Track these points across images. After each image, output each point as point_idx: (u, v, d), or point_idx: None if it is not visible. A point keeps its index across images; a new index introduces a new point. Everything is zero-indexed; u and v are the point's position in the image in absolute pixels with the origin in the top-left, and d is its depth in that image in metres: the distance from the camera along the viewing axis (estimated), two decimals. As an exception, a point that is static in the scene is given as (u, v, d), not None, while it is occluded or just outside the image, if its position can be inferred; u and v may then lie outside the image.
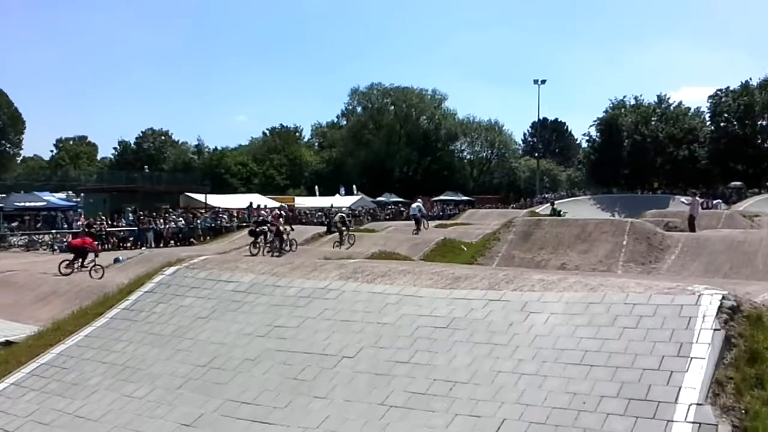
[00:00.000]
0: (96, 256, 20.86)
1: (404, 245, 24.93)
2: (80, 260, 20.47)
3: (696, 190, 42.88)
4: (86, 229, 29.25)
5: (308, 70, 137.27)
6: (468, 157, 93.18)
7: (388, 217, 52.83)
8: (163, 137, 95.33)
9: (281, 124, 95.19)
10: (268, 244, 23.70)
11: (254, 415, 6.11)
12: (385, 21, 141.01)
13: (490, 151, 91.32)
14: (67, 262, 20.41)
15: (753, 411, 4.78)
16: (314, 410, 5.97)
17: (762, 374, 5.13)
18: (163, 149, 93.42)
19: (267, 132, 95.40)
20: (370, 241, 27.14)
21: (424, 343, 6.49)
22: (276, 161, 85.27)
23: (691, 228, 24.60)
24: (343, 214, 26.90)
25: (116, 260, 24.08)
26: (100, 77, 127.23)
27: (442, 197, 68.28)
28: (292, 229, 26.00)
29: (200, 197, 48.16)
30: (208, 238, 37.74)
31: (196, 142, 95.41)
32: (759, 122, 67.97)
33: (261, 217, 27.73)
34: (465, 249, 24.11)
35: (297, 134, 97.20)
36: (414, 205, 34.73)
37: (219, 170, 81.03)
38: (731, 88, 69.26)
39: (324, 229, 32.57)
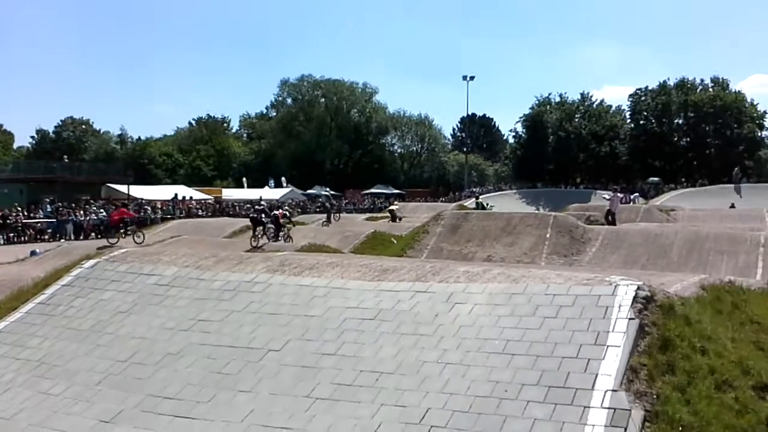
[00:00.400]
0: (134, 224, 25.09)
1: (334, 238, 24.87)
2: (122, 230, 23.76)
3: (617, 186, 44.57)
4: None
5: (236, 59, 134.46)
6: (398, 150, 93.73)
7: (318, 209, 52.54)
8: (83, 126, 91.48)
9: (208, 114, 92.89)
10: (266, 233, 23.15)
11: (176, 410, 5.99)
12: (316, 12, 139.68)
13: (420, 145, 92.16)
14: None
15: (664, 396, 5.03)
16: (239, 404, 5.90)
17: (673, 361, 5.40)
18: (83, 139, 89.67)
19: (193, 122, 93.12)
20: (300, 233, 26.89)
21: (352, 335, 6.51)
22: (203, 152, 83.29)
23: (608, 222, 25.54)
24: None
25: (33, 253, 23.01)
26: (15, 63, 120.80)
27: (372, 190, 68.51)
28: (293, 225, 26.14)
29: (123, 188, 46.62)
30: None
31: (119, 132, 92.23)
32: (675, 121, 71.10)
33: (262, 206, 28.15)
34: (395, 242, 24.25)
35: (225, 125, 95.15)
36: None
37: (143, 161, 78.56)
38: (650, 88, 72.22)
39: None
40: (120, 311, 7.99)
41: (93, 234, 35.06)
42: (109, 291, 8.54)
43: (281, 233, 23.44)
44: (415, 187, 76.83)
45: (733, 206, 40.89)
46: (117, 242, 21.61)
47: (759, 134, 68.34)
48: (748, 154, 65.99)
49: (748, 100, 68.67)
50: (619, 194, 29.82)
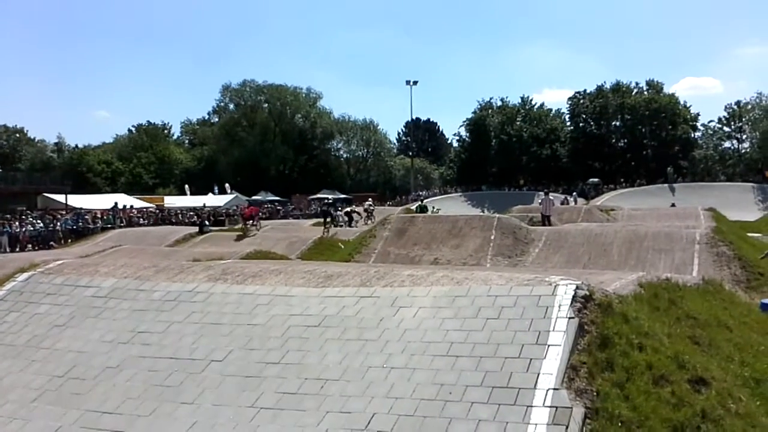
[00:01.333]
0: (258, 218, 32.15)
1: (281, 244, 24.67)
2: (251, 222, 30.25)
3: (548, 189, 45.71)
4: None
5: (177, 64, 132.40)
6: (344, 155, 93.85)
7: (263, 216, 51.96)
8: (17, 135, 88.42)
9: (148, 121, 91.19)
10: (339, 223, 30.67)
11: (116, 425, 5.80)
12: (258, 17, 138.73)
13: (366, 150, 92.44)
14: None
15: (604, 393, 5.13)
16: (181, 417, 5.75)
17: (612, 358, 5.51)
18: (18, 147, 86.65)
19: (133, 129, 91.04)
20: (245, 240, 26.64)
21: (296, 343, 6.43)
22: (143, 159, 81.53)
23: (545, 225, 26.08)
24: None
25: (-37, 267, 22.03)
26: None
27: (319, 195, 68.21)
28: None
29: (60, 198, 45.20)
30: (69, 240, 35.46)
31: (56, 140, 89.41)
32: (613, 123, 73.37)
33: (330, 201, 36.87)
34: (342, 247, 24.21)
35: (165, 131, 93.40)
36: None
37: (81, 169, 76.40)
38: (588, 91, 74.27)
39: (196, 229, 31.62)
40: (56, 325, 7.70)
41: (30, 246, 33.87)
42: (45, 304, 8.22)
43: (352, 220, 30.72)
44: (361, 191, 76.88)
45: (673, 205, 42.41)
46: (250, 233, 28.82)
47: (692, 135, 70.98)
48: (683, 154, 68.51)
49: (681, 103, 71.36)
50: (550, 197, 30.63)
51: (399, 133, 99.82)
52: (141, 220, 43.39)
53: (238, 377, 6.11)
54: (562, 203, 43.75)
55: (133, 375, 6.49)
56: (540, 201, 28.80)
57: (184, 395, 6.02)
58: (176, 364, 6.48)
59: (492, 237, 21.18)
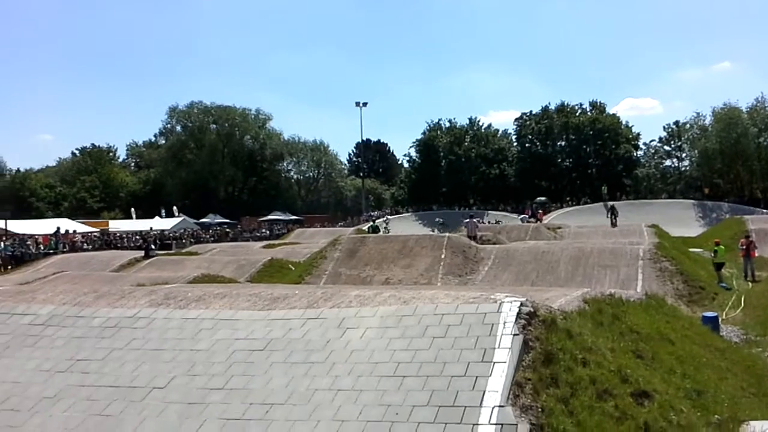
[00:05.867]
0: None
1: (229, 267, 24.31)
2: None
3: (471, 211, 47.09)
4: None
5: (121, 86, 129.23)
6: (295, 176, 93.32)
7: (212, 239, 51.20)
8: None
9: (93, 144, 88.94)
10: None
11: (52, 459, 5.57)
12: (204, 38, 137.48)
13: (316, 171, 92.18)
14: None
15: (548, 408, 5.17)
16: (120, 448, 5.56)
17: (556, 374, 5.57)
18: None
19: (77, 152, 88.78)
20: (192, 264, 26.12)
21: (241, 367, 6.31)
22: (88, 183, 79.47)
23: None
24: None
25: None
26: None
27: (270, 217, 67.59)
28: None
29: (0, 223, 43.62)
30: (9, 267, 34.22)
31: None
32: (558, 143, 74.97)
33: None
34: (293, 268, 24.01)
35: (110, 154, 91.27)
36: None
37: (23, 194, 74.06)
38: (533, 112, 75.89)
39: (142, 253, 30.93)
40: (-10, 355, 7.38)
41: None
42: (-22, 334, 7.88)
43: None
44: (313, 212, 76.54)
45: (523, 220, 44.57)
46: None
47: (635, 154, 73.04)
48: (626, 172, 70.36)
49: (623, 123, 73.48)
50: (474, 219, 32.16)
51: (350, 154, 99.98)
52: (85, 245, 42.20)
53: (180, 404, 5.95)
54: (523, 221, 44.92)
55: (71, 405, 6.27)
56: (464, 224, 29.68)
57: (125, 425, 5.83)
58: (116, 393, 6.28)
59: (443, 256, 21.34)
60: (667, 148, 73.51)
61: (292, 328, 6.79)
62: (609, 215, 37.96)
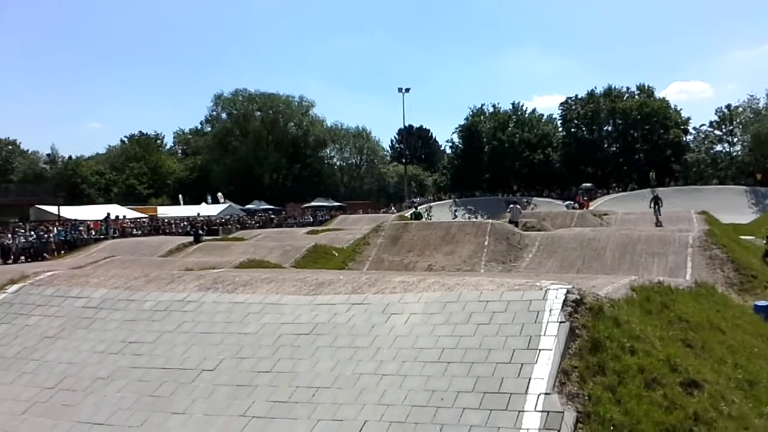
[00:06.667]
0: None
1: (274, 253, 24.59)
2: None
3: (515, 197, 46.20)
4: None
5: (168, 74, 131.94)
6: (338, 163, 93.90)
7: (257, 225, 51.92)
8: (10, 146, 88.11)
9: (140, 131, 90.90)
10: None
11: (106, 437, 5.76)
12: (248, 26, 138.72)
13: (359, 158, 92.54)
14: None
15: (595, 397, 5.11)
16: (172, 427, 5.72)
17: (603, 362, 5.50)
18: (10, 159, 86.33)
19: (125, 139, 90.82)
20: (239, 250, 26.52)
21: (287, 351, 6.41)
22: (136, 170, 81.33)
23: None
24: None
25: (-46, 280, 21.90)
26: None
27: (313, 203, 68.17)
28: None
29: (53, 209, 45.01)
30: (62, 252, 35.31)
31: (49, 151, 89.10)
32: (605, 128, 73.63)
33: None
34: (336, 254, 24.15)
35: (158, 141, 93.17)
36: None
37: (75, 180, 76.20)
38: (579, 96, 74.55)
39: (190, 239, 31.54)
40: (47, 336, 7.65)
41: (22, 258, 33.71)
42: (35, 316, 8.18)
43: None
44: (355, 199, 76.91)
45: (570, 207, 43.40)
46: None
47: (684, 139, 71.24)
48: (675, 158, 68.69)
49: (672, 107, 71.65)
50: (518, 205, 31.54)
51: (392, 141, 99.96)
52: (134, 231, 43.26)
53: (229, 386, 6.08)
54: (568, 208, 44.43)
55: (123, 386, 6.46)
56: (508, 210, 29.22)
57: (175, 405, 5.98)
58: (167, 374, 6.45)
59: (486, 243, 21.18)
60: (718, 132, 71.62)
61: (338, 312, 6.85)
62: (653, 206, 34.10)
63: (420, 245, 22.07)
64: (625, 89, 73.95)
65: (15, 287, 9.09)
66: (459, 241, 21.84)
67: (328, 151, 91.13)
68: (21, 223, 39.46)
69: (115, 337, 7.34)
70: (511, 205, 30.21)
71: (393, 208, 66.09)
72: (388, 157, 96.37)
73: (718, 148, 72.21)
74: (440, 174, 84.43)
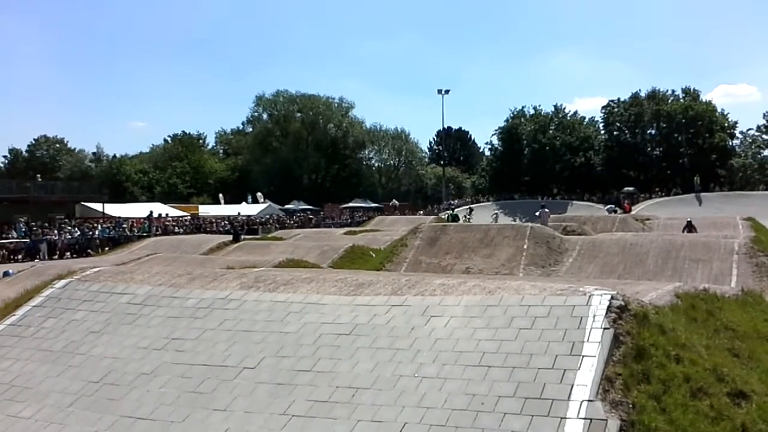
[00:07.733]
0: None
1: (313, 253, 24.75)
2: None
3: (544, 202, 45.51)
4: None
5: (211, 75, 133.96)
6: (376, 164, 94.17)
7: (296, 224, 52.35)
8: (57, 145, 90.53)
9: (183, 131, 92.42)
10: None
11: (150, 431, 5.88)
12: (290, 28, 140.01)
13: (397, 159, 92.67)
14: None
15: (640, 405, 5.01)
16: (213, 423, 5.80)
17: (648, 370, 5.39)
18: (57, 157, 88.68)
19: (169, 139, 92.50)
20: (278, 249, 26.79)
21: (327, 351, 6.44)
22: (179, 169, 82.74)
23: None
24: None
25: (5, 274, 22.52)
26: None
27: (351, 204, 68.45)
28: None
29: (98, 207, 46.07)
30: (106, 248, 36.15)
31: (95, 150, 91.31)
32: (648, 131, 72.29)
33: None
34: (374, 255, 24.20)
35: (200, 141, 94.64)
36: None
37: (119, 178, 77.91)
38: (622, 99, 73.37)
39: (230, 237, 31.96)
40: (92, 331, 7.83)
41: (68, 253, 34.60)
42: (81, 311, 8.38)
43: None
44: (393, 200, 76.90)
45: (614, 212, 42.26)
46: None
47: (730, 143, 69.54)
48: (720, 162, 67.10)
49: (718, 110, 70.00)
50: (547, 210, 30.95)
51: (431, 142, 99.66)
52: (176, 229, 44.03)
53: (270, 384, 6.14)
54: (609, 212, 43.72)
55: (166, 381, 6.57)
56: (537, 214, 28.79)
57: (217, 402, 6.07)
58: (209, 371, 6.54)
59: (525, 246, 20.98)
60: (766, 137, 69.60)
61: (377, 314, 6.87)
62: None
63: (458, 248, 21.96)
64: (669, 92, 72.55)
65: (62, 282, 9.32)
66: (497, 244, 21.68)
67: (366, 152, 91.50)
68: (67, 220, 40.42)
69: (158, 333, 7.47)
70: (540, 210, 29.90)
71: (420, 211, 65.68)
72: (427, 159, 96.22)
73: (766, 153, 70.31)
74: (479, 176, 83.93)
